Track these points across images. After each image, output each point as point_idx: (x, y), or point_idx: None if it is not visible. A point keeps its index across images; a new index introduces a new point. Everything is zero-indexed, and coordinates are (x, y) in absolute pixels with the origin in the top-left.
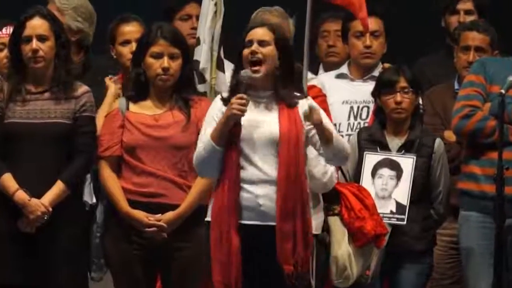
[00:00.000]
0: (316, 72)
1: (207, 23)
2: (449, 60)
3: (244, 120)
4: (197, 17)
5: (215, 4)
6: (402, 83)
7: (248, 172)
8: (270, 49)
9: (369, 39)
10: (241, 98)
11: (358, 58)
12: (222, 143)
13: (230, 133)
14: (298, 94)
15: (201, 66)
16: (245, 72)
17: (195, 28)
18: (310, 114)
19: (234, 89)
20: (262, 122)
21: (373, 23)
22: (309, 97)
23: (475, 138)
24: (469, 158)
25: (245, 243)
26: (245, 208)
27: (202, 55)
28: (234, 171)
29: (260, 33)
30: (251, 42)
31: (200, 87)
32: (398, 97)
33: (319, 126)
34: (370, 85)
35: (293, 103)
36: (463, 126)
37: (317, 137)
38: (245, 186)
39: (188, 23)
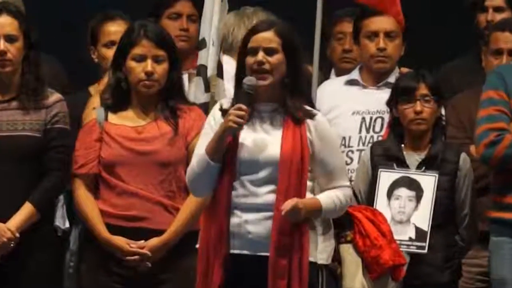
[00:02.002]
0: (326, 77)
1: (213, 22)
2: (480, 66)
3: (244, 136)
4: (188, 17)
5: (222, 0)
6: (422, 90)
7: (241, 196)
8: (278, 58)
9: (383, 41)
10: (240, 109)
11: (371, 62)
12: (217, 159)
13: (226, 149)
14: (309, 109)
15: (209, 72)
16: (249, 80)
17: (184, 30)
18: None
19: (237, 99)
20: (263, 140)
21: (388, 23)
22: (319, 113)
23: (507, 166)
24: (501, 187)
25: (234, 274)
26: (233, 236)
27: (209, 59)
28: (226, 193)
29: (266, 38)
30: (256, 50)
31: (206, 97)
32: (418, 106)
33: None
34: (384, 93)
35: (301, 119)
36: (490, 155)
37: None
38: (236, 211)
39: (177, 23)
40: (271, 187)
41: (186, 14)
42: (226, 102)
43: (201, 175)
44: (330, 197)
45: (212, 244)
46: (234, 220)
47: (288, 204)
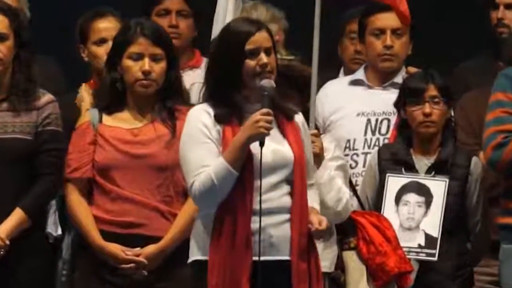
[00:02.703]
0: (335, 77)
1: (227, 22)
2: (495, 66)
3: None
4: (178, 13)
5: None
6: (432, 91)
7: (255, 201)
8: (273, 58)
9: (390, 38)
10: (268, 114)
11: (377, 60)
12: (239, 167)
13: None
14: (288, 106)
15: None
16: (269, 83)
17: (173, 26)
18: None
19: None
20: (271, 144)
21: (395, 19)
22: (299, 113)
23: None
24: (509, 192)
25: (260, 282)
26: (256, 241)
27: None
28: (245, 200)
29: (264, 39)
30: (256, 52)
31: None
32: (427, 108)
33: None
34: (391, 94)
35: (291, 114)
36: (498, 158)
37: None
38: (254, 217)
39: (166, 20)
40: (285, 189)
41: (175, 10)
42: (205, 107)
43: (222, 187)
44: (318, 204)
45: (235, 253)
46: (254, 225)
47: (323, 222)
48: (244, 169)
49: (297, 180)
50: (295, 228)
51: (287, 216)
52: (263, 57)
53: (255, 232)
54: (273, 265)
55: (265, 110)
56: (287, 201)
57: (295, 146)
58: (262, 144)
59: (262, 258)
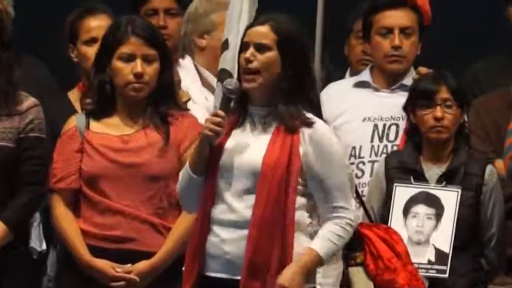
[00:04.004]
0: (340, 77)
1: (242, 22)
2: None
3: (230, 142)
4: (166, 11)
5: None
6: (444, 94)
7: (218, 210)
8: (269, 56)
9: (398, 38)
10: (216, 115)
11: (384, 62)
12: (199, 171)
13: (209, 160)
14: (308, 116)
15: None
16: (229, 83)
17: (162, 27)
18: None
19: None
20: (247, 147)
21: (404, 17)
22: (318, 121)
23: None
24: None
25: None
26: (210, 256)
27: (235, 62)
28: (202, 208)
29: (259, 33)
30: (247, 45)
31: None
32: (438, 112)
33: None
34: (399, 97)
35: (294, 127)
36: None
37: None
38: (214, 228)
39: (154, 20)
40: (251, 201)
41: (162, 8)
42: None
43: (185, 188)
44: (325, 239)
45: (186, 265)
46: (211, 238)
47: (285, 279)
48: (208, 171)
49: (260, 190)
50: (250, 246)
51: (246, 231)
52: (248, 52)
53: (210, 245)
54: (228, 284)
55: (214, 111)
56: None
57: (269, 154)
58: (210, 146)
59: (215, 275)
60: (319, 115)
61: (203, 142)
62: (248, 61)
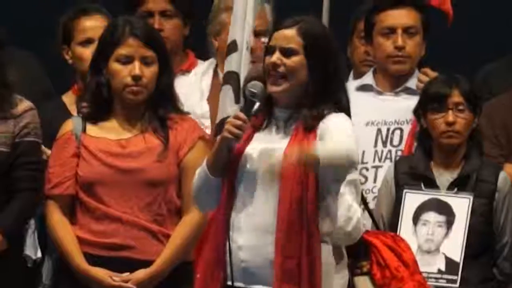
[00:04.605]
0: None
1: (247, 21)
2: None
3: (253, 146)
4: (161, 13)
5: None
6: (456, 97)
7: (238, 215)
8: (296, 60)
9: (402, 38)
10: (238, 118)
11: (387, 63)
12: (217, 173)
13: (230, 164)
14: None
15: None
16: (253, 86)
17: (158, 30)
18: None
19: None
20: (269, 150)
21: (407, 16)
22: (333, 113)
23: None
24: None
25: None
26: (231, 265)
27: (242, 65)
28: (223, 214)
29: (286, 37)
30: (273, 49)
31: (236, 109)
32: (450, 117)
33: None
34: (403, 100)
35: (312, 126)
36: None
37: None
38: (234, 235)
39: (150, 23)
40: (274, 204)
41: (158, 10)
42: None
43: (200, 187)
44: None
45: (209, 273)
46: (230, 245)
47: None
48: (228, 175)
49: (282, 193)
50: (279, 253)
51: (270, 237)
52: (275, 57)
53: (229, 253)
54: None
55: (235, 114)
56: (274, 220)
57: (290, 156)
58: (230, 150)
59: (236, 284)
60: (347, 116)
61: (223, 144)
62: (275, 65)
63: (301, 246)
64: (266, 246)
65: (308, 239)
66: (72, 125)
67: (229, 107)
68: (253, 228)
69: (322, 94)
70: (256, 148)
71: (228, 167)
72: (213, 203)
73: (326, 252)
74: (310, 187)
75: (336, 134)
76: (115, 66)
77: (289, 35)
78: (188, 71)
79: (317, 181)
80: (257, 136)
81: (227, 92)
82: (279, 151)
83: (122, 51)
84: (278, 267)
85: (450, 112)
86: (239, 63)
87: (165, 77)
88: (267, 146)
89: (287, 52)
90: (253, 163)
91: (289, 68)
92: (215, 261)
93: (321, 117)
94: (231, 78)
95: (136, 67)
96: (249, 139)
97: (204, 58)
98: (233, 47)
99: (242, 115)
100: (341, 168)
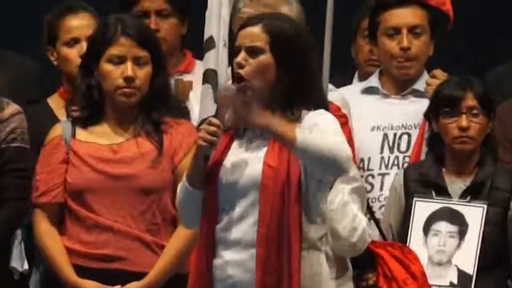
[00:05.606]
0: (349, 82)
1: (222, 17)
2: None
3: (229, 155)
4: (158, 13)
5: None
6: (470, 101)
7: (223, 229)
8: (261, 60)
9: (407, 38)
10: (211, 124)
11: (392, 65)
12: (197, 184)
13: (208, 175)
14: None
15: (221, 79)
16: (226, 89)
17: (154, 31)
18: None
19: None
20: (245, 159)
21: (413, 15)
22: (311, 112)
23: None
24: None
25: None
26: (217, 280)
27: (221, 63)
28: (206, 228)
29: (250, 35)
30: (238, 49)
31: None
32: (464, 121)
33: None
34: (410, 103)
35: None
36: None
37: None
38: (219, 249)
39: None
40: (255, 217)
41: (153, 10)
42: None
43: (183, 202)
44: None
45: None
46: (216, 260)
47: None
48: (208, 187)
49: (262, 207)
50: (260, 267)
51: (252, 251)
52: (239, 57)
53: (216, 269)
54: None
55: (209, 119)
56: (254, 233)
57: (269, 164)
58: (205, 158)
59: None
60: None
61: (198, 154)
62: (240, 65)
63: (282, 260)
64: (252, 261)
65: (288, 252)
66: (61, 129)
67: (211, 107)
68: (238, 242)
69: (294, 94)
70: (234, 157)
71: (208, 179)
72: (196, 219)
73: (317, 260)
74: (292, 198)
75: (326, 132)
76: (106, 67)
77: (254, 32)
78: (186, 71)
79: (300, 191)
80: (235, 144)
81: (207, 92)
82: (257, 160)
83: (114, 51)
84: (259, 283)
85: (464, 116)
86: (217, 60)
87: (160, 78)
88: (245, 155)
89: (252, 52)
90: (233, 173)
91: (254, 68)
92: (202, 277)
93: (297, 118)
94: (210, 76)
95: (129, 68)
96: (227, 148)
97: (203, 58)
98: (210, 44)
99: (215, 120)
100: (326, 166)
